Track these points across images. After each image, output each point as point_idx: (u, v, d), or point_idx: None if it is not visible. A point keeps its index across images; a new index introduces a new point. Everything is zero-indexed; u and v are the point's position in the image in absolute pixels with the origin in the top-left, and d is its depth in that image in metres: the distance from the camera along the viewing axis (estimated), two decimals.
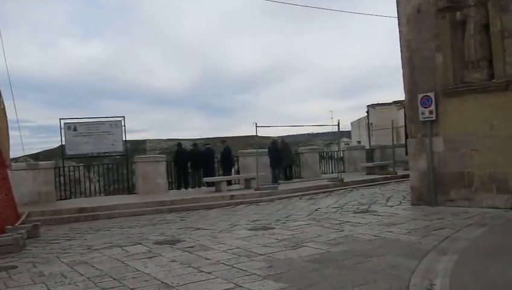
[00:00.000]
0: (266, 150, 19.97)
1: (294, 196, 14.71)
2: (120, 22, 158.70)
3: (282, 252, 6.58)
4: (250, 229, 8.82)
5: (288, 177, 19.90)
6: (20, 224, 10.07)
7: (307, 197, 14.59)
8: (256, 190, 15.02)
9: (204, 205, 13.30)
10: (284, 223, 9.42)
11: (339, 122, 17.83)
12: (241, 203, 13.68)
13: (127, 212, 12.63)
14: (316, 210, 11.23)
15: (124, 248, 7.68)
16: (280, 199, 14.38)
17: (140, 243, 8.01)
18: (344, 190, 16.07)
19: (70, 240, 9.14)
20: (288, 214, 10.72)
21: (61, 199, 15.92)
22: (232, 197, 14.14)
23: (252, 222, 9.96)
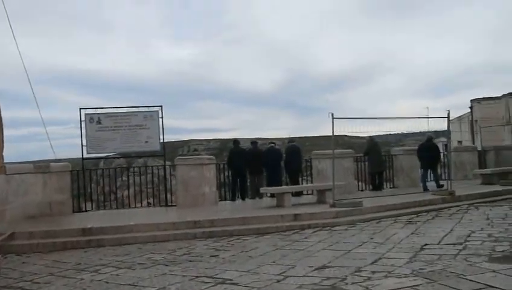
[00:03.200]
0: (349, 151, 16.25)
1: (386, 217, 10.90)
2: (210, 22, 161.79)
3: None
4: None
5: (377, 187, 16.01)
6: None
7: (404, 219, 10.72)
8: (331, 206, 11.38)
9: (255, 229, 9.87)
10: (369, 279, 5.76)
11: (448, 114, 13.66)
12: (308, 226, 10.11)
13: (145, 237, 9.52)
14: (422, 249, 7.43)
15: None
16: (364, 221, 10.64)
17: None
18: (458, 209, 11.97)
19: None
20: (376, 257, 7.00)
21: (79, 211, 13.25)
22: (296, 217, 10.60)
23: (315, 270, 6.39)
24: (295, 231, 9.88)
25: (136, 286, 6.07)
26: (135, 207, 14.09)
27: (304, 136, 75.54)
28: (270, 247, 8.29)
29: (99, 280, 6.50)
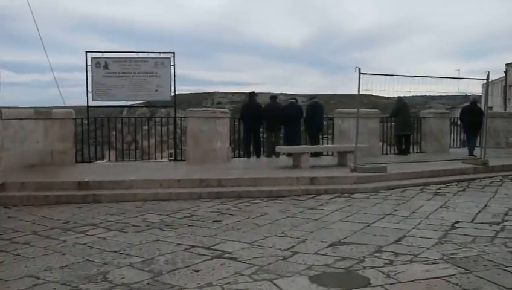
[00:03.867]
0: (375, 110, 15.25)
1: (412, 186, 10.00)
2: None
3: None
4: (319, 275, 4.50)
5: (403, 151, 15.03)
6: None
7: (432, 189, 9.80)
8: (352, 170, 10.49)
9: (266, 192, 9.07)
10: (391, 264, 4.92)
11: (488, 76, 12.45)
12: (325, 192, 9.27)
13: (146, 194, 8.80)
14: (453, 227, 6.55)
15: None
16: (388, 188, 9.75)
17: None
18: (491, 180, 10.99)
19: None
20: (400, 234, 6.14)
21: (82, 162, 12.61)
22: (312, 180, 9.76)
23: (329, 246, 5.57)
24: (310, 196, 9.05)
25: (122, 254, 5.35)
26: (142, 160, 13.40)
27: (330, 94, 74.03)
28: (281, 214, 7.50)
29: (83, 244, 5.79)
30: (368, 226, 6.62)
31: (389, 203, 8.31)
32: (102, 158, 12.92)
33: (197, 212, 7.74)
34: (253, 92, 14.34)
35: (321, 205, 8.26)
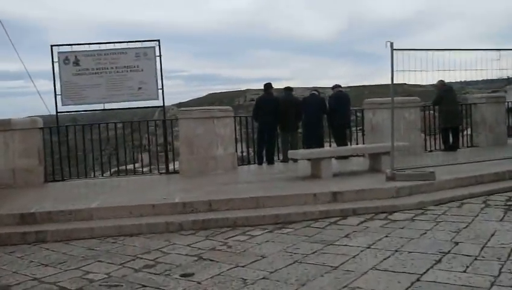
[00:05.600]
0: (414, 98, 12.78)
1: (471, 197, 7.54)
2: None
3: None
4: None
5: (452, 147, 12.52)
6: None
7: (500, 201, 7.33)
8: (389, 178, 8.09)
9: (271, 217, 6.75)
10: None
11: None
12: (353, 212, 6.91)
13: (106, 228, 6.61)
14: None
15: None
16: (439, 203, 7.33)
17: None
18: None
19: None
20: None
21: (53, 181, 10.52)
22: (335, 196, 7.40)
23: None
24: (333, 219, 6.70)
25: None
26: (125, 175, 11.19)
27: (361, 85, 70.97)
28: (285, 257, 5.19)
29: None
30: (418, 281, 4.24)
31: (444, 229, 5.90)
32: (77, 175, 10.82)
33: (166, 257, 5.50)
34: (269, 84, 11.94)
35: (346, 235, 5.90)
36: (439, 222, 6.28)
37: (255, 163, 11.81)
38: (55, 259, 5.68)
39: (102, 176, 10.95)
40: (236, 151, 11.46)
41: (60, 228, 6.68)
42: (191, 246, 5.89)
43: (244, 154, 12.67)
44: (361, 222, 6.53)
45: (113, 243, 6.26)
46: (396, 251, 5.12)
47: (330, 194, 7.40)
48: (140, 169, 11.74)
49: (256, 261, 5.11)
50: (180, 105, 56.42)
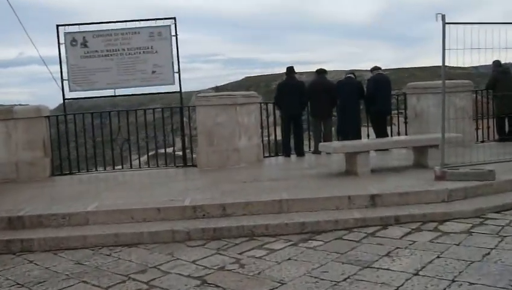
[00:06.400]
0: (466, 81, 11.46)
1: None
2: None
3: None
4: None
5: (508, 137, 11.18)
6: None
7: None
8: (438, 177, 6.91)
9: (297, 226, 5.70)
10: None
11: None
12: (396, 220, 5.79)
13: (102, 236, 5.71)
14: None
15: None
16: (502, 209, 6.13)
17: None
18: None
19: None
20: None
21: (61, 174, 9.71)
22: (374, 199, 6.29)
23: None
24: (370, 230, 5.61)
25: None
26: (139, 168, 10.24)
27: (400, 67, 68.64)
28: (308, 285, 4.14)
29: None
30: None
31: (509, 245, 4.76)
32: (87, 168, 9.94)
33: (163, 279, 4.52)
34: (291, 67, 10.82)
35: (388, 254, 4.79)
36: (505, 236, 5.10)
37: (282, 154, 10.76)
38: (35, 277, 4.79)
39: (114, 169, 10.07)
40: (263, 141, 10.44)
41: (49, 236, 5.79)
42: (197, 263, 4.90)
43: (273, 143, 11.65)
44: (406, 234, 5.41)
45: (107, 255, 5.34)
46: (453, 280, 4.00)
47: (368, 197, 6.28)
48: (156, 161, 10.80)
49: (272, 289, 4.10)
50: (217, 89, 56.27)
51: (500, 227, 5.44)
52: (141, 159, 11.37)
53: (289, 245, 5.30)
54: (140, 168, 10.25)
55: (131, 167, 10.10)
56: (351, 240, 5.33)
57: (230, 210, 6.14)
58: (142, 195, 7.22)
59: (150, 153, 11.18)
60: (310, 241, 5.39)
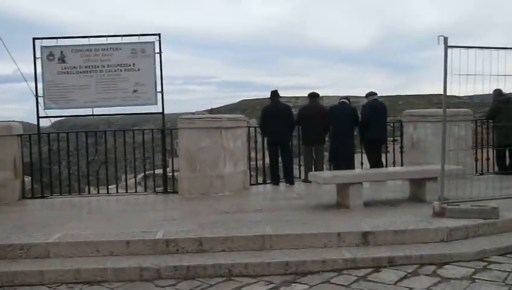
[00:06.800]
0: (465, 110, 10.96)
1: None
2: None
3: None
4: None
5: (509, 168, 10.70)
6: None
7: None
8: (437, 214, 6.38)
9: (280, 265, 5.15)
10: None
11: None
12: (390, 262, 5.23)
13: (63, 272, 5.13)
14: None
15: None
16: (505, 251, 5.59)
17: None
18: None
19: None
20: None
21: (32, 197, 9.12)
22: (366, 237, 5.72)
23: None
24: (361, 273, 5.05)
25: None
26: (116, 194, 9.62)
27: (395, 95, 68.44)
28: None
29: None
30: None
31: None
32: (60, 192, 9.35)
33: None
34: (275, 91, 10.28)
35: None
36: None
37: (271, 182, 10.22)
38: None
39: (89, 193, 9.49)
40: (250, 167, 9.92)
41: (2, 270, 5.21)
42: None
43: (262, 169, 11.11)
44: (401, 279, 4.85)
45: None
46: None
47: (359, 235, 5.72)
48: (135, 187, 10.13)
49: None
50: (211, 111, 56.30)
51: (507, 273, 4.89)
52: (123, 182, 10.80)
53: (270, 288, 4.73)
54: (117, 193, 9.66)
55: (107, 192, 9.49)
56: (339, 284, 4.77)
57: (208, 245, 5.57)
58: (112, 225, 6.63)
59: (128, 177, 10.59)
60: (293, 284, 4.83)
